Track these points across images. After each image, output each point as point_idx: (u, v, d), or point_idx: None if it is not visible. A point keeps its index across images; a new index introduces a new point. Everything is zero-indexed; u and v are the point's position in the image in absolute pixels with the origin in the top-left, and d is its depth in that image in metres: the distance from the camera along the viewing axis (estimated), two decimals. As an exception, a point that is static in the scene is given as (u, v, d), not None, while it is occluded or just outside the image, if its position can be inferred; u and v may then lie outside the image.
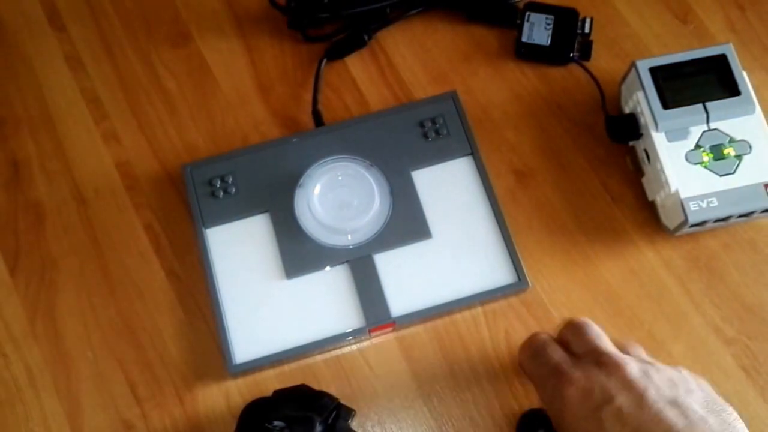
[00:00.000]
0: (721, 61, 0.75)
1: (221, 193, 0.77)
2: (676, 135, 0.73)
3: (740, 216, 0.72)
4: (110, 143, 0.83)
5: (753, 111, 0.73)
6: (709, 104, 0.73)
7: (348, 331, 0.73)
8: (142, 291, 0.77)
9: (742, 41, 0.83)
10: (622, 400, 0.56)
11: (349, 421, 0.67)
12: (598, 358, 0.59)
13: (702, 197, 0.70)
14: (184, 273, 0.78)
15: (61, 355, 0.76)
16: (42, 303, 0.77)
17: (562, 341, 0.64)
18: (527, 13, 0.82)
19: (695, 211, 0.70)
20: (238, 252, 0.76)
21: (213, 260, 0.75)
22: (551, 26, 0.81)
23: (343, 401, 0.70)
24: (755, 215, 0.73)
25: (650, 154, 0.74)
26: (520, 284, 0.73)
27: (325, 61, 0.83)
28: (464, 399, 0.73)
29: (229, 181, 0.77)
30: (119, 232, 0.80)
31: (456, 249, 0.75)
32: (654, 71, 0.74)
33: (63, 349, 0.76)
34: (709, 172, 0.72)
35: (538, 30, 0.81)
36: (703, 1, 0.85)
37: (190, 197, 0.77)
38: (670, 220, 0.74)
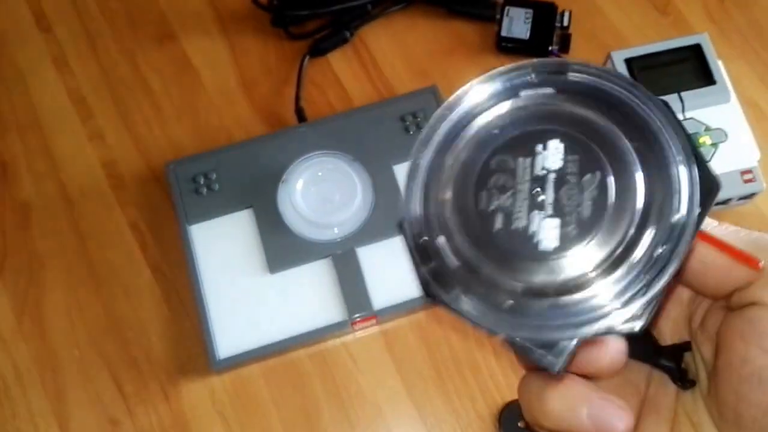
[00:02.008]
0: (697, 50, 0.75)
1: (205, 190, 0.77)
2: (652, 124, 0.73)
3: (718, 204, 0.72)
4: (96, 142, 0.83)
5: (728, 99, 0.74)
6: (684, 93, 0.73)
7: (331, 324, 0.73)
8: (128, 288, 0.78)
9: (722, 31, 0.83)
10: None
11: None
12: None
13: (679, 185, 0.71)
14: (169, 270, 0.78)
15: (48, 352, 0.76)
16: (29, 301, 0.78)
17: None
18: (506, 8, 0.82)
19: (673, 199, 0.70)
20: (222, 248, 0.76)
21: (197, 256, 0.76)
22: (530, 20, 0.81)
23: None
24: (732, 202, 0.73)
25: (627, 145, 0.74)
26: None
27: (307, 58, 0.84)
28: (446, 390, 0.73)
29: (213, 178, 0.78)
30: (105, 230, 0.80)
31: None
32: (629, 62, 0.75)
33: (50, 347, 0.76)
34: (685, 160, 0.72)
35: (517, 24, 0.82)
36: (683, -8, 0.86)
37: (174, 194, 0.78)
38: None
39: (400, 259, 0.74)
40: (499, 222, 0.39)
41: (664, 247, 0.36)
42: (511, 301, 0.38)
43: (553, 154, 0.40)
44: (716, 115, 0.74)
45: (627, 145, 0.39)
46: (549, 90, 0.41)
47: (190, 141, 0.83)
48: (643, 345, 0.42)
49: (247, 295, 0.75)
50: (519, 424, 0.71)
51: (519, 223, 0.39)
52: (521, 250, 0.39)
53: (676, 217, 0.37)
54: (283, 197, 0.76)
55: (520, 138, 0.40)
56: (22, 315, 0.77)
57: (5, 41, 0.88)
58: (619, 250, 0.38)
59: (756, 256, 0.37)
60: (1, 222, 0.81)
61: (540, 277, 0.38)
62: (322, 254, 0.75)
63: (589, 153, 0.39)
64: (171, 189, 0.78)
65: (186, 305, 0.76)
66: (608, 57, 0.76)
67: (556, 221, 0.39)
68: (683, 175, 0.37)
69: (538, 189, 0.39)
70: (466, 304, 0.38)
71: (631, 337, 0.37)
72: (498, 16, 0.82)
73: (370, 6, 0.85)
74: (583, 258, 0.38)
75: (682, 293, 0.42)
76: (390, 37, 0.86)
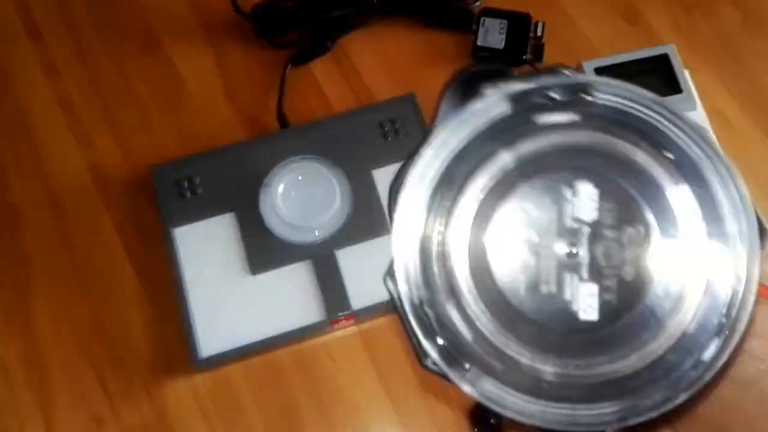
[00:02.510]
0: (664, 60, 0.78)
1: (188, 194, 0.79)
2: (621, 131, 0.76)
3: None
4: (84, 147, 0.85)
5: (694, 107, 0.76)
6: (651, 102, 0.76)
7: (310, 324, 0.75)
8: (113, 289, 0.80)
9: (689, 42, 0.85)
10: None
11: None
12: None
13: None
14: (153, 271, 0.80)
15: (35, 352, 0.78)
16: (16, 301, 0.80)
17: None
18: (482, 19, 0.84)
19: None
20: (205, 250, 0.78)
21: (180, 258, 0.77)
22: (505, 30, 0.84)
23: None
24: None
25: (596, 151, 0.76)
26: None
27: (290, 66, 0.86)
28: (424, 388, 0.75)
29: (197, 182, 0.79)
30: (92, 233, 0.82)
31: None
32: (599, 71, 0.77)
33: (36, 346, 0.78)
34: (653, 165, 0.74)
35: (492, 34, 0.84)
36: (651, 3, 0.88)
37: (158, 198, 0.80)
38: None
39: (378, 261, 0.76)
40: (523, 287, 0.33)
41: (723, 313, 0.32)
42: (544, 383, 0.33)
43: (585, 203, 0.33)
44: (682, 123, 0.76)
45: (671, 185, 0.33)
46: (573, 117, 0.34)
47: (174, 146, 0.84)
48: None
49: (230, 296, 0.76)
50: (491, 420, 0.72)
51: (547, 288, 0.33)
52: (552, 321, 0.33)
53: (737, 287, 0.31)
54: (265, 201, 0.78)
55: (543, 180, 0.34)
56: (8, 315, 0.79)
57: (-4, 48, 0.90)
58: (683, 319, 0.32)
59: None
60: (-11, 224, 0.83)
61: (576, 356, 0.33)
62: (302, 256, 0.77)
63: (629, 200, 0.33)
64: (156, 192, 0.80)
65: (170, 306, 0.77)
66: (579, 66, 0.78)
67: (594, 287, 0.33)
68: (735, 218, 0.32)
69: (570, 246, 0.33)
70: (485, 384, 0.33)
71: None
72: (474, 27, 0.85)
73: (351, 17, 0.87)
74: (628, 333, 0.32)
75: None
76: (370, 47, 0.88)
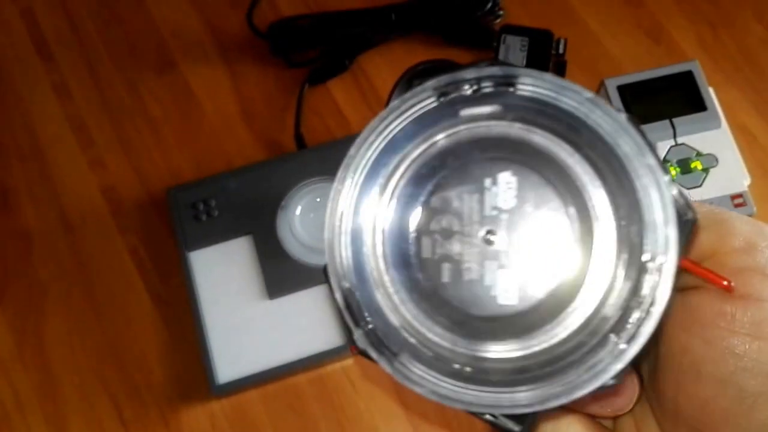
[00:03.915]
0: (688, 77, 0.76)
1: (204, 216, 0.78)
2: (644, 151, 0.74)
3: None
4: (96, 169, 0.84)
5: (719, 126, 0.75)
6: (675, 120, 0.74)
7: (330, 349, 0.74)
8: (128, 314, 0.79)
9: (714, 58, 0.84)
10: None
11: None
12: None
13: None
14: (168, 296, 0.79)
15: (49, 379, 0.77)
16: (29, 328, 0.78)
17: None
18: (503, 36, 0.83)
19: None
20: (221, 274, 0.77)
21: (196, 283, 0.76)
22: (526, 48, 0.82)
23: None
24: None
25: (620, 171, 0.75)
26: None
27: (307, 85, 0.85)
28: (444, 413, 0.74)
29: (212, 205, 0.78)
30: (105, 257, 0.81)
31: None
32: (622, 89, 0.76)
33: (50, 374, 0.77)
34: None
35: (513, 52, 0.83)
36: (675, 19, 0.87)
37: (173, 221, 0.78)
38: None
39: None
40: (446, 274, 0.35)
41: (640, 298, 0.32)
42: (467, 369, 0.34)
43: (504, 190, 0.34)
44: (707, 141, 0.75)
45: (590, 175, 0.34)
46: (495, 108, 0.35)
47: (189, 167, 0.83)
48: None
49: (247, 321, 0.75)
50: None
51: (469, 275, 0.34)
52: (474, 307, 0.34)
53: (651, 262, 0.32)
54: (282, 223, 0.77)
55: (464, 170, 0.35)
56: (22, 342, 0.78)
57: (6, 69, 0.89)
58: (593, 303, 0.33)
59: (725, 276, 0.34)
60: (2, 249, 0.81)
61: (497, 340, 0.34)
62: (321, 280, 0.76)
63: (547, 188, 0.34)
64: (171, 215, 0.78)
65: (186, 331, 0.77)
66: (601, 84, 0.77)
67: (513, 273, 0.34)
68: (657, 208, 0.32)
69: (489, 233, 0.34)
70: (413, 369, 0.34)
71: None
72: (495, 44, 0.83)
73: (369, 34, 0.86)
74: (545, 316, 0.34)
75: None
76: (389, 64, 0.87)
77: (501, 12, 0.85)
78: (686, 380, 0.36)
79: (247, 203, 0.78)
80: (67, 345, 0.78)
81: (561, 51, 0.83)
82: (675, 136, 0.75)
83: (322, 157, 0.80)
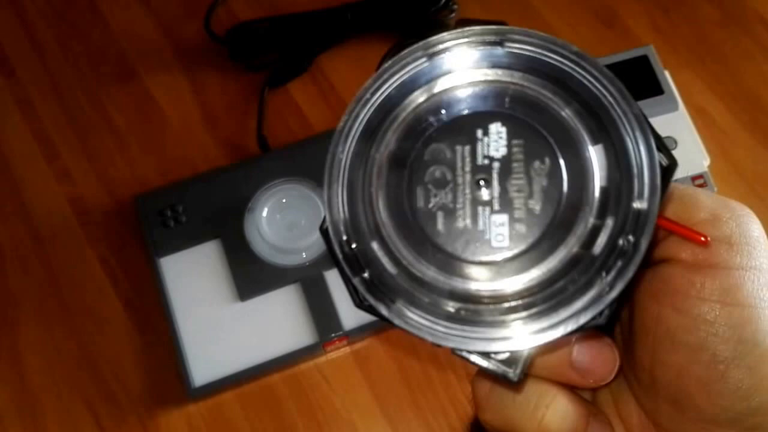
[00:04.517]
0: (643, 62, 0.77)
1: (173, 222, 0.78)
2: (603, 136, 0.75)
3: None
4: (63, 181, 0.84)
5: (676, 108, 0.76)
6: (633, 104, 0.75)
7: (303, 347, 0.75)
8: (102, 323, 0.79)
9: (668, 42, 0.85)
10: None
11: None
12: None
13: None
14: (140, 303, 0.79)
15: (25, 391, 0.77)
16: (3, 341, 0.78)
17: None
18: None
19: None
20: (192, 279, 0.77)
21: (168, 289, 0.77)
22: (482, 40, 0.83)
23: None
24: (686, 208, 0.75)
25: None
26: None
27: (267, 88, 0.85)
28: (419, 405, 0.75)
29: (180, 210, 0.79)
30: (76, 267, 0.81)
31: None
32: (578, 76, 0.77)
33: (27, 384, 0.77)
34: (637, 168, 0.74)
35: (470, 45, 0.83)
36: (628, 4, 0.88)
37: (142, 228, 0.79)
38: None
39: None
40: (440, 222, 0.36)
41: (628, 237, 0.34)
42: (461, 310, 0.35)
43: (495, 140, 0.36)
44: (665, 124, 0.76)
45: (577, 124, 0.36)
46: (485, 64, 0.37)
47: (155, 175, 0.84)
48: None
49: (220, 324, 0.76)
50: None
51: (462, 222, 0.36)
52: (467, 252, 0.36)
53: (637, 204, 0.34)
54: (250, 226, 0.77)
55: (456, 123, 0.37)
56: (-3, 355, 0.78)
57: (-32, 88, 0.89)
58: (577, 246, 0.35)
59: (701, 230, 0.36)
60: (-27, 265, 0.82)
61: (490, 281, 0.35)
62: (291, 279, 0.76)
63: (537, 136, 0.36)
64: (140, 223, 0.79)
65: (160, 336, 0.77)
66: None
67: (504, 217, 0.35)
68: (642, 155, 0.35)
69: (482, 181, 0.36)
70: (409, 315, 0.35)
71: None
72: (451, 38, 0.84)
73: (326, 35, 0.86)
74: (536, 257, 0.35)
75: None
76: (347, 64, 0.88)
77: (455, 6, 0.86)
78: (661, 350, 0.37)
79: (214, 207, 0.79)
80: (42, 356, 0.78)
81: (517, 42, 0.84)
82: (632, 120, 0.76)
83: (286, 158, 0.80)
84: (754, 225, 0.37)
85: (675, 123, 0.76)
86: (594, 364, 0.39)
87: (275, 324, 0.76)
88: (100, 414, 0.76)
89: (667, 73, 0.77)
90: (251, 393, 0.76)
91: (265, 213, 0.77)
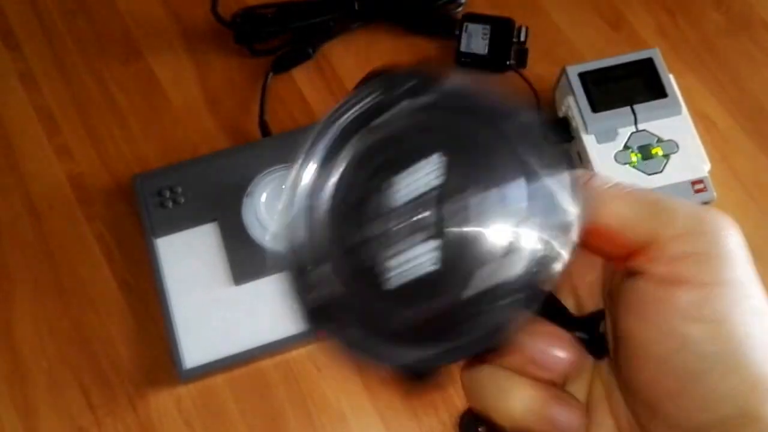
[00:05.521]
0: (648, 65, 0.77)
1: (170, 204, 0.78)
2: (605, 137, 0.75)
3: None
4: (63, 157, 0.84)
5: (679, 112, 0.76)
6: (636, 106, 0.76)
7: (295, 333, 0.75)
8: (95, 301, 0.79)
9: (673, 46, 0.85)
10: None
11: None
12: None
13: (631, 196, 0.73)
14: (135, 282, 0.79)
15: (17, 365, 0.77)
16: (-3, 315, 0.79)
17: None
18: (465, 24, 0.84)
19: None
20: (188, 261, 0.77)
21: (163, 269, 0.77)
22: (488, 35, 0.83)
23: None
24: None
25: (582, 156, 0.76)
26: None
27: (271, 74, 0.85)
28: (409, 397, 0.75)
29: (179, 192, 0.79)
30: (72, 244, 0.81)
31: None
32: (583, 76, 0.77)
33: (19, 360, 0.77)
34: (637, 171, 0.74)
35: (475, 40, 0.83)
36: (634, 7, 0.88)
37: (140, 208, 0.79)
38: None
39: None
40: (381, 248, 0.38)
41: (547, 261, 0.35)
42: (403, 327, 0.37)
43: (435, 170, 0.38)
44: (668, 127, 0.76)
45: (512, 160, 0.37)
46: (427, 99, 0.39)
47: (155, 155, 0.84)
48: (558, 312, 0.40)
49: (213, 307, 0.76)
50: (479, 429, 0.72)
51: (403, 245, 0.37)
52: (404, 276, 0.37)
53: (561, 219, 0.36)
54: (248, 210, 0.77)
55: (401, 153, 0.39)
56: (-10, 329, 0.78)
57: (-28, 59, 0.89)
58: (502, 265, 0.36)
59: (674, 246, 0.36)
60: (-32, 237, 0.82)
61: (425, 301, 0.37)
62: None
63: (472, 166, 0.38)
64: (137, 202, 0.79)
65: (153, 317, 0.77)
66: (563, 71, 0.78)
67: (438, 243, 0.37)
68: (565, 201, 0.36)
69: (420, 208, 0.37)
70: (353, 334, 0.38)
71: (546, 306, 0.36)
72: (456, 32, 0.84)
73: (332, 23, 0.86)
74: (465, 274, 0.36)
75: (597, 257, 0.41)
76: (352, 53, 0.88)
77: (462, 0, 0.86)
78: (634, 361, 0.38)
79: (213, 190, 0.79)
80: (35, 331, 0.78)
81: (522, 39, 0.84)
82: (636, 123, 0.76)
83: (286, 144, 0.79)
84: (731, 237, 0.37)
85: (677, 127, 0.76)
86: (547, 362, 0.39)
87: (269, 309, 0.76)
88: (90, 391, 0.76)
89: (671, 77, 0.77)
90: (242, 377, 0.76)
91: (263, 198, 0.77)
